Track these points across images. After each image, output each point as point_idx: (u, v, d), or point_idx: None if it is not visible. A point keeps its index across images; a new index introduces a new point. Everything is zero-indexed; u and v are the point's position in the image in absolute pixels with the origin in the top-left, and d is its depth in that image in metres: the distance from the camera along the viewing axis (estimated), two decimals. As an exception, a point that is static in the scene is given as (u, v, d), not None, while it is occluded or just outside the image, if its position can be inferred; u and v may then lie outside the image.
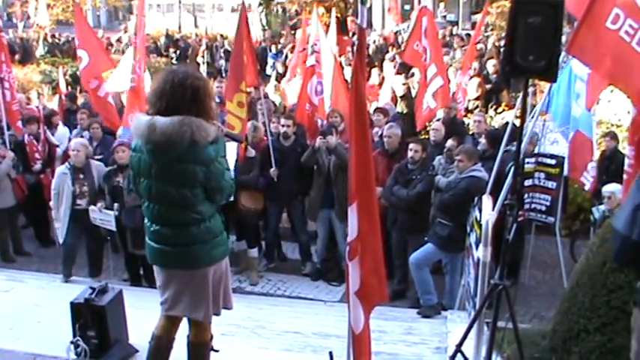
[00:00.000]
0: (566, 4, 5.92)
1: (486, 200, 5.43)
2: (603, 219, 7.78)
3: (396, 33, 26.51)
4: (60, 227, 8.39)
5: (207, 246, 4.41)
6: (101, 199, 8.26)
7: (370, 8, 31.65)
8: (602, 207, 8.38)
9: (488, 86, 14.80)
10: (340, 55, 16.77)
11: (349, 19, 27.15)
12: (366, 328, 4.58)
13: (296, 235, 9.60)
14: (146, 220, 4.52)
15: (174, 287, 4.50)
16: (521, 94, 5.10)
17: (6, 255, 9.63)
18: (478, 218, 5.83)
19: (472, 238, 6.26)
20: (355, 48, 4.81)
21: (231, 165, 7.33)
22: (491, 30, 23.97)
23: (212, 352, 4.92)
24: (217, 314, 4.67)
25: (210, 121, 4.29)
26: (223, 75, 21.34)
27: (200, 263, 4.42)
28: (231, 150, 7.40)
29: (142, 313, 5.82)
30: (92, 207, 8.20)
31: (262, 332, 6.56)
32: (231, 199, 4.82)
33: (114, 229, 8.17)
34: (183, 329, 4.78)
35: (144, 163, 4.31)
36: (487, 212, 5.22)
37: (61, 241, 8.43)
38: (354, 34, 23.55)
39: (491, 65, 15.84)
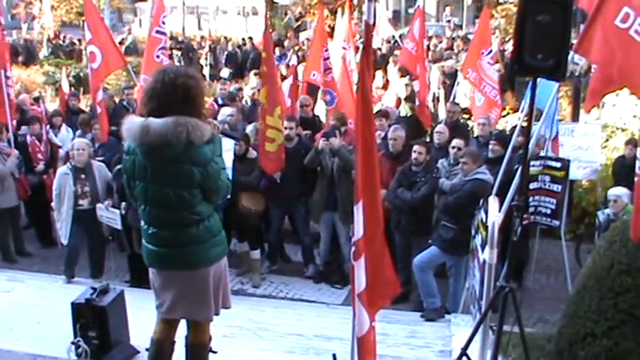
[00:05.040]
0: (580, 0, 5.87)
1: (492, 202, 5.38)
2: (608, 222, 7.72)
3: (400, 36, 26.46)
4: (61, 228, 8.36)
5: (206, 245, 4.37)
6: (109, 197, 8.27)
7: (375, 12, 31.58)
8: (607, 210, 8.34)
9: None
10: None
11: (353, 21, 27.05)
12: (371, 329, 4.53)
13: (299, 237, 9.54)
14: (142, 223, 4.47)
15: (174, 289, 4.45)
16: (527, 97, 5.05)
17: (7, 255, 9.59)
18: (484, 220, 5.77)
19: (477, 241, 6.21)
20: (361, 46, 4.75)
21: (229, 163, 7.27)
22: (495, 33, 23.84)
23: (211, 354, 4.89)
24: (217, 314, 4.63)
25: (205, 120, 4.25)
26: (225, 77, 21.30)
27: (200, 263, 4.38)
28: (228, 147, 7.26)
29: (144, 314, 5.74)
30: (99, 204, 8.20)
31: (264, 334, 6.52)
32: (228, 197, 4.73)
33: (119, 227, 8.18)
34: (181, 330, 4.74)
35: (138, 165, 4.26)
36: (493, 214, 5.17)
37: (64, 241, 8.39)
38: (360, 36, 23.45)
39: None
